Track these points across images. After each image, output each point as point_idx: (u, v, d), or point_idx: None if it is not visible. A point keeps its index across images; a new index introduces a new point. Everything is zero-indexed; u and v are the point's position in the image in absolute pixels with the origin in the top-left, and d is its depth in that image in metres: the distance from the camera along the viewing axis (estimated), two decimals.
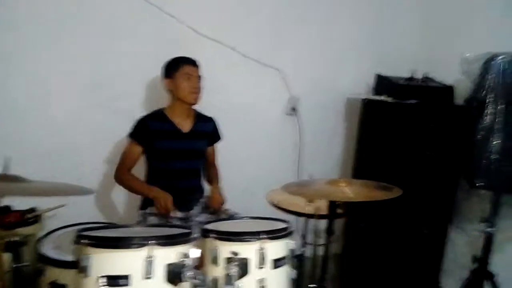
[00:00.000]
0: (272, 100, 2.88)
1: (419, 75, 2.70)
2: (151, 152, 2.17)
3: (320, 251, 1.97)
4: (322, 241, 1.92)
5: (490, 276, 2.24)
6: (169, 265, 1.25)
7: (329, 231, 1.72)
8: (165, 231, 1.43)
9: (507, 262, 2.34)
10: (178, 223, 2.06)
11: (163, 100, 2.26)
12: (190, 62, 2.16)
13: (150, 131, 2.12)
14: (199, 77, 2.18)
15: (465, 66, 2.33)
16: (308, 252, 2.17)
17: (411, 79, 2.68)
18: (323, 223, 1.90)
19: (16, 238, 1.49)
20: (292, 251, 1.59)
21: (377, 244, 2.56)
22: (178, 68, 2.14)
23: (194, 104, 2.20)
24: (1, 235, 1.77)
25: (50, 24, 2.33)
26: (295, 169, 2.95)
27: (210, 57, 2.30)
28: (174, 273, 1.25)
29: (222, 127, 2.42)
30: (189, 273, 1.22)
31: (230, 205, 2.29)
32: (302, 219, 2.09)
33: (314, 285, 1.74)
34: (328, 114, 3.01)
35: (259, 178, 2.86)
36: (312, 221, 2.04)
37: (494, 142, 2.08)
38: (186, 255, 1.26)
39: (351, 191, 1.65)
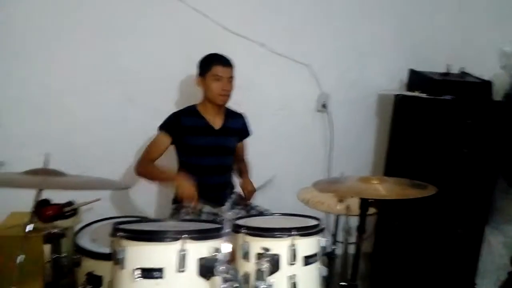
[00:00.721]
0: (302, 97, 2.86)
1: (455, 70, 2.62)
2: (183, 148, 2.20)
3: (351, 249, 1.95)
4: (353, 239, 1.89)
5: None
6: (201, 259, 1.27)
7: (361, 229, 1.69)
8: (197, 226, 1.46)
9: None
10: (209, 218, 2.08)
11: (191, 97, 2.29)
12: (222, 62, 2.14)
13: (182, 126, 2.15)
14: (230, 78, 2.16)
15: (503, 59, 2.25)
16: (339, 250, 2.15)
17: (446, 74, 2.61)
18: (354, 221, 1.88)
19: (56, 230, 1.53)
20: (323, 248, 1.58)
21: (410, 243, 2.51)
22: (209, 68, 2.13)
23: (221, 105, 2.21)
24: (41, 227, 1.85)
25: (77, 22, 2.40)
26: (325, 166, 2.92)
27: (238, 53, 2.30)
28: (206, 267, 1.26)
29: (252, 124, 2.42)
30: (221, 268, 1.23)
31: (259, 202, 2.31)
32: (332, 216, 2.07)
33: (345, 283, 1.72)
34: (359, 111, 2.96)
35: (288, 175, 2.85)
36: (342, 219, 2.02)
37: None
38: (218, 250, 1.27)
39: (383, 188, 1.61)
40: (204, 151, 2.20)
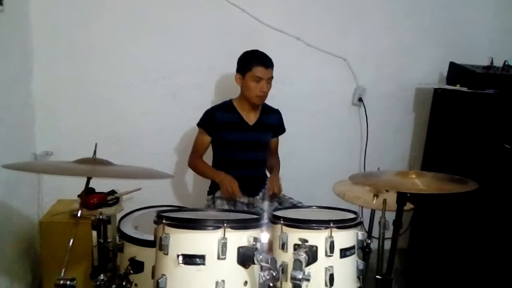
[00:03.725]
0: (338, 91, 2.85)
1: (497, 63, 2.53)
2: (218, 143, 2.25)
3: (386, 244, 1.94)
4: (388, 234, 1.88)
5: None
6: (241, 247, 1.30)
7: (398, 224, 1.68)
8: (237, 216, 1.50)
9: None
10: (243, 209, 2.12)
11: (230, 91, 2.33)
12: (264, 63, 2.13)
13: (217, 122, 2.20)
14: (270, 78, 2.16)
15: None
16: (373, 245, 2.14)
17: (489, 67, 2.53)
18: (389, 216, 1.87)
19: (103, 217, 1.61)
20: (360, 242, 1.59)
21: (446, 240, 2.46)
22: (250, 68, 2.13)
23: (257, 105, 2.23)
24: (86, 214, 1.95)
25: (125, 21, 2.50)
26: (360, 160, 2.91)
27: (275, 47, 2.32)
28: (246, 256, 1.29)
29: (287, 117, 2.44)
30: (260, 257, 1.26)
31: (293, 194, 2.32)
32: (367, 210, 2.06)
33: (380, 277, 1.72)
34: (396, 104, 2.92)
35: (323, 169, 2.86)
36: (378, 214, 2.01)
37: None
38: (257, 239, 1.30)
39: (422, 183, 1.59)
40: (238, 146, 2.23)
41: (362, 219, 1.59)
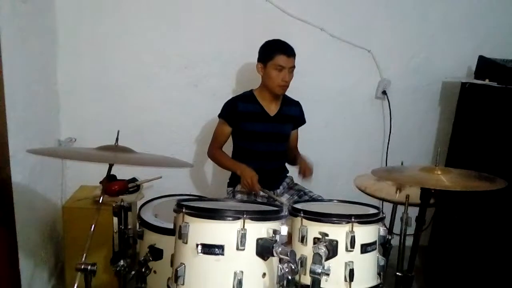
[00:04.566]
0: (362, 83, 2.79)
1: None
2: (238, 133, 2.24)
3: (407, 241, 1.90)
4: (410, 230, 1.84)
5: None
6: (260, 239, 1.29)
7: (421, 220, 1.64)
8: (257, 207, 1.49)
9: None
10: (263, 201, 2.11)
11: (252, 81, 2.31)
12: (286, 52, 2.10)
13: (238, 112, 2.18)
14: (292, 68, 2.13)
15: None
16: (395, 241, 2.11)
17: None
18: (411, 212, 1.83)
19: (124, 204, 1.63)
20: (382, 237, 1.56)
21: (469, 239, 2.40)
22: (272, 57, 2.10)
23: (280, 95, 2.21)
24: (107, 200, 1.98)
25: (148, 9, 2.50)
26: (383, 155, 2.85)
27: (297, 37, 2.28)
28: (265, 248, 1.29)
29: (308, 109, 2.40)
30: (279, 249, 1.25)
31: (312, 188, 2.30)
32: (389, 206, 2.02)
33: (401, 274, 1.69)
34: (421, 98, 2.85)
35: (344, 163, 2.82)
36: (399, 209, 1.97)
37: None
38: (276, 231, 1.29)
39: (447, 179, 1.55)
40: (258, 137, 2.22)
41: (384, 215, 1.56)
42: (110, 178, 1.96)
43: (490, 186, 1.51)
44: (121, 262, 1.62)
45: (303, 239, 1.45)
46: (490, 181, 1.56)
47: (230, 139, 2.30)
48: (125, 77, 2.55)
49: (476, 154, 2.39)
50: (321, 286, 1.26)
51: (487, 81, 2.43)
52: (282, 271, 1.25)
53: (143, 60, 2.55)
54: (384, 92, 2.78)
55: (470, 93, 2.50)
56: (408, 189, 1.90)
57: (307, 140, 2.50)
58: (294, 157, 2.35)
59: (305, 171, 2.19)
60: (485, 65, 2.55)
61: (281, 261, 1.27)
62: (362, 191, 2.03)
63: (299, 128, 2.43)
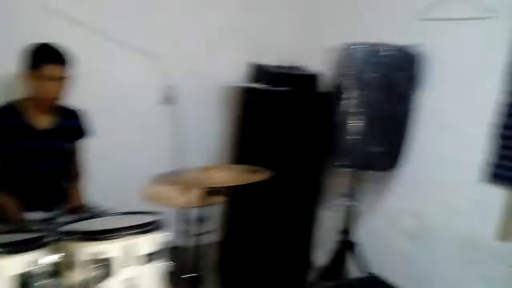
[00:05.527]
0: (146, 88, 2.74)
1: (292, 63, 2.84)
2: (1, 153, 1.90)
3: (200, 240, 1.96)
4: (202, 230, 1.91)
5: (352, 246, 2.49)
6: (18, 275, 1.10)
7: (202, 219, 1.71)
8: (13, 238, 1.26)
9: (368, 231, 2.62)
10: (37, 226, 1.84)
11: (12, 91, 1.98)
12: (54, 60, 1.87)
13: None
14: (64, 77, 1.90)
15: (328, 55, 2.52)
16: (188, 242, 2.15)
17: (283, 67, 2.80)
18: (202, 212, 1.89)
19: None
20: (165, 243, 1.54)
21: (255, 228, 2.65)
22: (39, 66, 1.84)
23: (51, 105, 1.97)
24: None
25: None
26: (173, 160, 2.87)
27: (72, 41, 2.08)
28: (25, 284, 1.11)
29: (92, 119, 2.22)
30: (41, 282, 1.09)
31: (101, 201, 2.14)
32: (179, 209, 2.04)
33: (186, 276, 1.72)
34: (206, 103, 2.99)
35: (134, 171, 2.70)
36: (189, 211, 2.01)
37: (351, 125, 2.28)
38: (37, 263, 1.12)
39: (221, 176, 1.65)
40: (27, 155, 1.93)
41: (165, 220, 1.54)
42: None
43: (256, 178, 1.69)
44: None
45: (74, 264, 1.30)
46: (256, 173, 1.74)
47: None
48: None
49: (256, 151, 2.65)
50: None
51: (258, 85, 2.73)
52: None
53: None
54: (169, 98, 2.80)
55: (245, 96, 2.77)
56: (194, 190, 1.96)
57: (94, 149, 2.31)
58: (72, 179, 2.13)
59: (74, 203, 2.02)
60: (255, 70, 2.85)
61: None
62: (149, 200, 2.00)
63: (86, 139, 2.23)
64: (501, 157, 1.96)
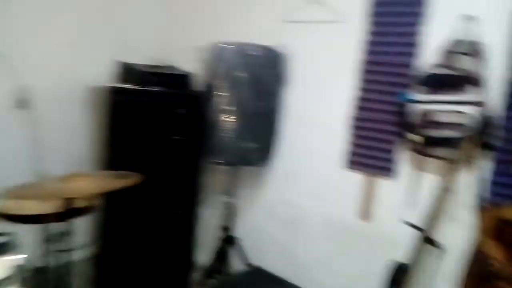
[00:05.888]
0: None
1: (163, 63, 2.76)
2: None
3: (68, 258, 1.77)
4: (68, 246, 1.72)
5: (233, 241, 2.53)
6: None
7: (67, 233, 1.55)
8: None
9: (248, 225, 2.69)
10: None
11: None
12: None
13: None
14: None
15: (200, 54, 2.51)
16: (52, 262, 1.93)
17: (153, 66, 2.71)
18: (66, 226, 1.71)
19: None
20: (20, 267, 1.35)
21: (133, 235, 2.52)
22: None
23: None
24: None
25: None
26: (32, 170, 2.55)
27: None
28: None
29: None
30: None
31: None
32: (37, 225, 1.82)
33: None
34: (69, 106, 2.73)
35: None
36: (50, 226, 1.80)
37: (224, 123, 2.31)
38: None
39: (86, 185, 1.52)
40: None
41: (18, 240, 1.36)
42: None
43: (127, 183, 1.59)
44: None
45: None
46: (126, 178, 1.64)
47: None
48: None
49: (129, 155, 2.50)
50: None
51: (128, 85, 2.58)
52: None
53: None
54: (25, 101, 2.48)
55: (115, 97, 2.58)
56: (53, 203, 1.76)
57: None
58: None
59: None
60: (125, 70, 2.70)
61: None
62: (5, 215, 1.75)
63: None
64: (356, 145, 2.20)
